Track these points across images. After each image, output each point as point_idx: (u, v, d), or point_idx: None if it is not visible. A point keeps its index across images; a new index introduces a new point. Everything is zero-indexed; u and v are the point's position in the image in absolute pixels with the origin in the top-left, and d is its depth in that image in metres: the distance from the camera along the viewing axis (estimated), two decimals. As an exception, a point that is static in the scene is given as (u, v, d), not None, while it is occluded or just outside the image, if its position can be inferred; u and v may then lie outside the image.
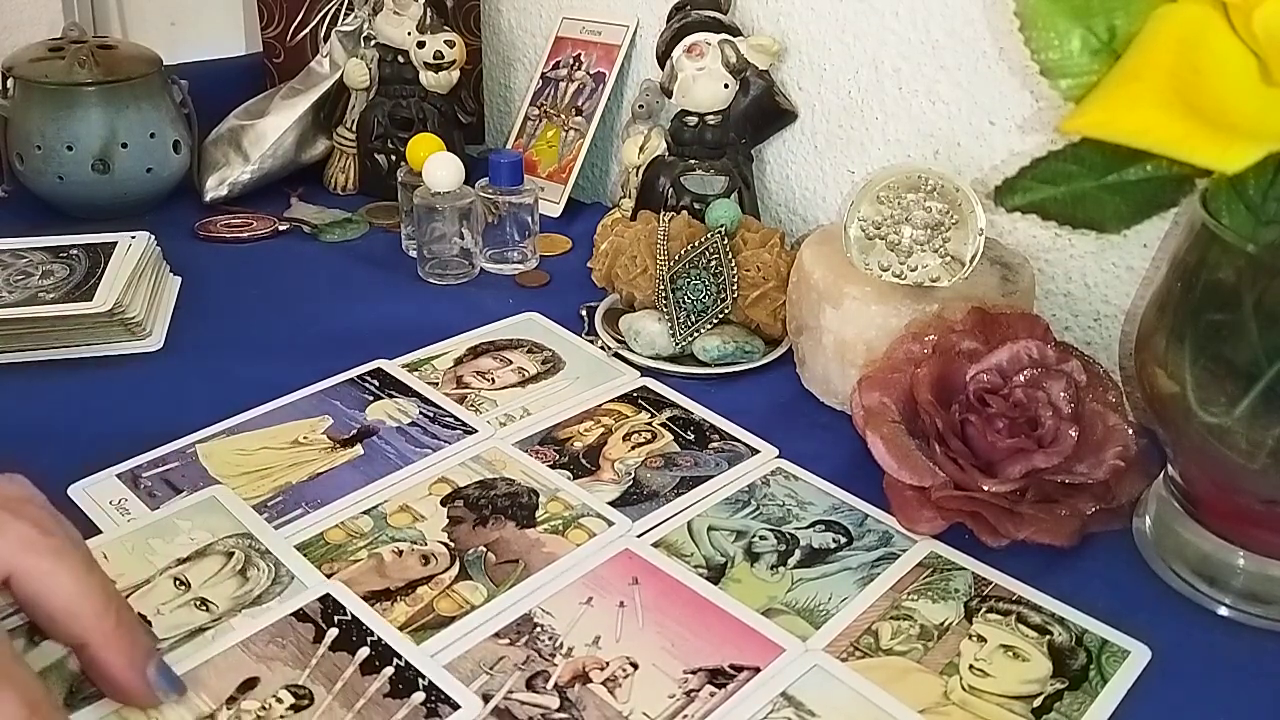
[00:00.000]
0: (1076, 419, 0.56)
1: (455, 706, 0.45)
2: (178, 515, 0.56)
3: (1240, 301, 0.48)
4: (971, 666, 0.49)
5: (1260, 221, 0.49)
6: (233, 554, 0.53)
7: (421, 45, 0.95)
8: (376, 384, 0.69)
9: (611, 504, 0.59)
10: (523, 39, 1.09)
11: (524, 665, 0.48)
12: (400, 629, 0.49)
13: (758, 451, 0.64)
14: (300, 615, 0.49)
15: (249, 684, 0.46)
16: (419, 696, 0.45)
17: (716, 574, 0.54)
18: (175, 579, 0.52)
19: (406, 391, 0.68)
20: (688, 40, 0.83)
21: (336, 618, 0.49)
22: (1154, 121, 0.44)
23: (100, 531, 0.55)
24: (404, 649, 0.48)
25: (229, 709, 0.44)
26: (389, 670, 0.47)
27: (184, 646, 0.48)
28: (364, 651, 0.47)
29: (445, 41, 0.95)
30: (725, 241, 0.73)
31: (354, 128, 1.00)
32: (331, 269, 0.87)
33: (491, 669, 0.47)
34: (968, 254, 0.63)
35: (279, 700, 0.45)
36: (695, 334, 0.72)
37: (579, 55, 0.99)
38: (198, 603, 0.50)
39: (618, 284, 0.76)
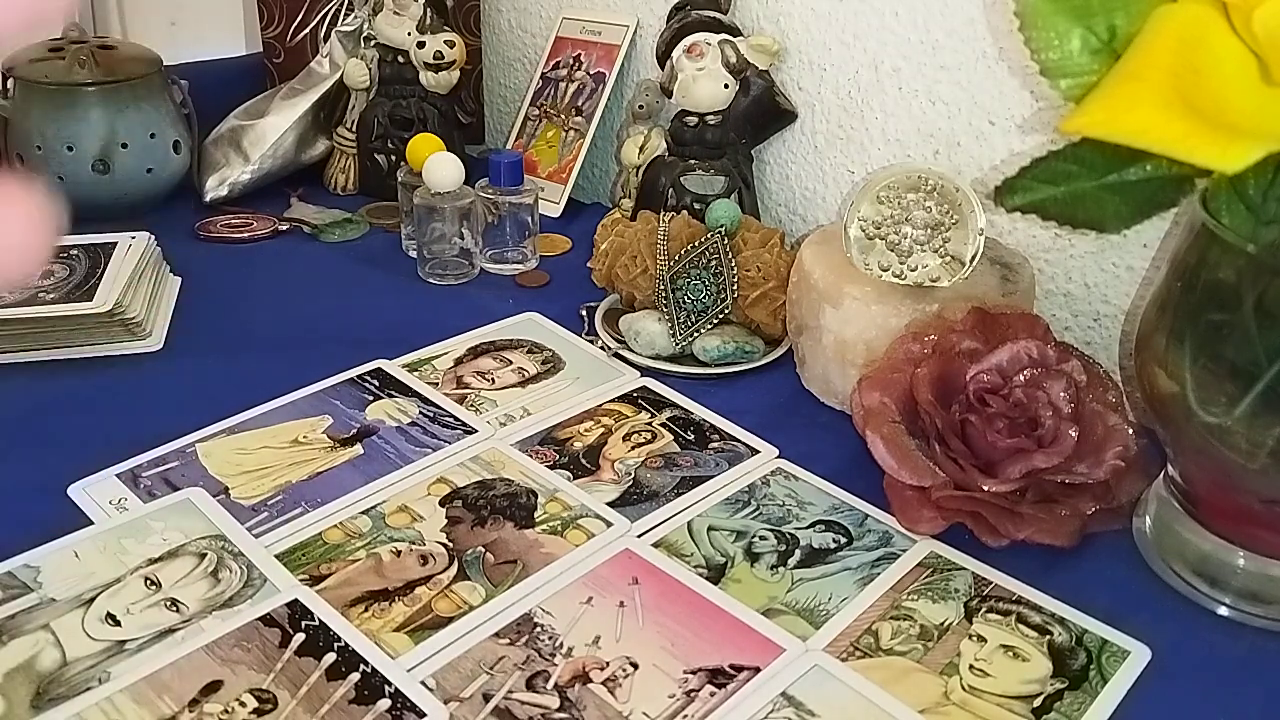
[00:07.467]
0: (1076, 419, 0.56)
1: (421, 714, 0.45)
2: (150, 516, 0.56)
3: (1240, 301, 0.48)
4: (971, 666, 0.49)
5: (1260, 221, 0.49)
6: (205, 555, 0.53)
7: (421, 45, 0.95)
8: (376, 384, 0.69)
9: (611, 504, 0.59)
10: (523, 39, 1.09)
11: (524, 665, 0.48)
12: (398, 629, 0.49)
13: (758, 451, 0.64)
14: (267, 620, 0.49)
15: (212, 687, 0.45)
16: (384, 704, 0.45)
17: (716, 574, 0.54)
18: (146, 579, 0.52)
19: (406, 391, 0.68)
20: (688, 40, 0.83)
21: (304, 623, 0.49)
22: (1154, 121, 0.44)
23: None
24: (371, 655, 0.47)
25: (191, 712, 0.44)
26: (355, 676, 0.46)
27: (154, 647, 0.48)
28: (330, 657, 0.47)
29: (445, 41, 0.95)
30: (725, 241, 0.73)
31: (354, 128, 1.00)
32: (331, 269, 0.87)
33: (491, 669, 0.47)
34: (968, 254, 0.63)
35: (242, 704, 0.45)
36: (695, 334, 0.72)
37: (579, 55, 0.99)
38: (168, 603, 0.50)
39: (618, 284, 0.76)
